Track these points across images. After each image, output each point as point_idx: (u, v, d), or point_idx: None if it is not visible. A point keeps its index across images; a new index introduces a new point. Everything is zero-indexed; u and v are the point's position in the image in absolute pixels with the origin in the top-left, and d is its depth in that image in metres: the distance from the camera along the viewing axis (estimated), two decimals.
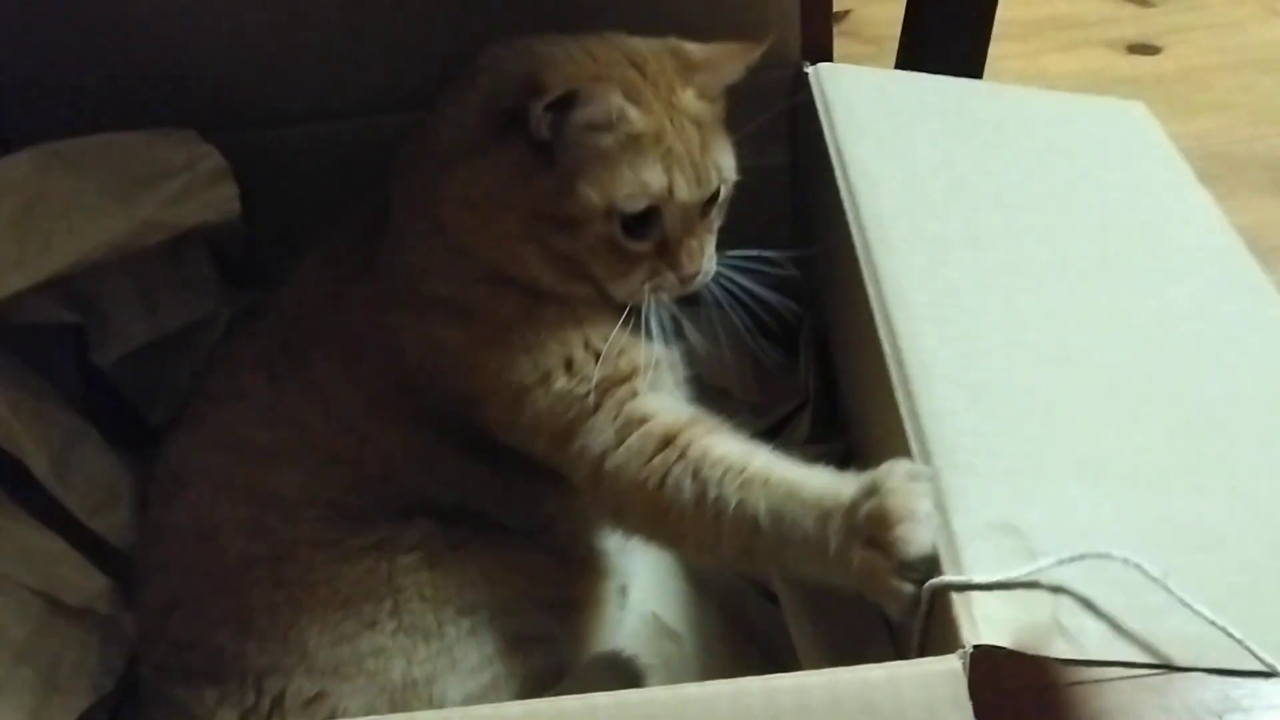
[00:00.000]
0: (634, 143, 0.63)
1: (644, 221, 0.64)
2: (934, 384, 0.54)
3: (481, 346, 0.65)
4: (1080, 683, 0.77)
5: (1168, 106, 1.31)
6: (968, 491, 0.49)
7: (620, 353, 0.64)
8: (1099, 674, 0.78)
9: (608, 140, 0.62)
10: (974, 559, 0.46)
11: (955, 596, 0.45)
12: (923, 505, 0.48)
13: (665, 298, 0.67)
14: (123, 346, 0.79)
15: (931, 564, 0.47)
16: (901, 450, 0.52)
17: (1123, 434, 0.53)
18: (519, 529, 0.70)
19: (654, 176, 0.63)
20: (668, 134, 0.64)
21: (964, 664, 0.43)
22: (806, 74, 0.79)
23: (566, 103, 0.60)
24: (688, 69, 0.67)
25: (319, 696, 0.62)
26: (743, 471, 0.56)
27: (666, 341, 0.67)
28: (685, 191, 0.64)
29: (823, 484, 0.54)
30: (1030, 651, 0.44)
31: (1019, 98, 0.81)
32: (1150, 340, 0.60)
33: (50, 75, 0.79)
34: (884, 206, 0.66)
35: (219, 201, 0.80)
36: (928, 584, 0.47)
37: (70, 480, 0.70)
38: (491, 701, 0.62)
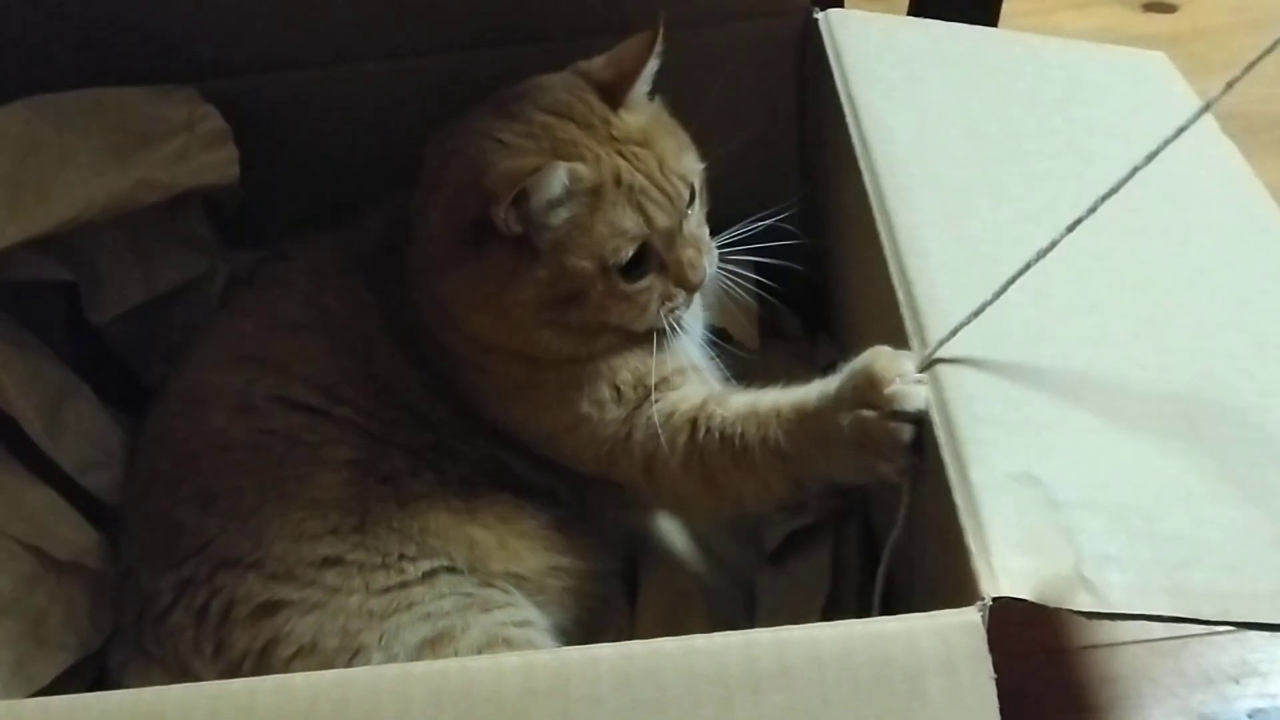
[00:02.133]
0: (597, 197, 0.63)
1: (638, 260, 0.65)
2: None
3: (509, 399, 0.68)
4: (1093, 646, 0.76)
5: (1184, 65, 1.27)
6: (985, 442, 0.47)
7: (639, 385, 0.66)
8: (1112, 637, 0.76)
9: (573, 208, 0.63)
10: (993, 510, 0.45)
11: (972, 545, 0.43)
12: (908, 366, 0.52)
13: (682, 310, 0.68)
14: (118, 306, 0.77)
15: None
16: None
17: (1145, 386, 0.51)
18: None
19: (629, 220, 0.63)
20: (623, 170, 0.64)
21: (983, 616, 0.41)
22: (816, 20, 0.76)
23: (521, 197, 0.61)
24: (608, 91, 0.66)
25: (270, 606, 0.61)
26: (756, 414, 0.61)
27: (696, 344, 0.71)
28: (663, 218, 0.65)
29: (821, 389, 0.59)
30: (1052, 604, 0.42)
31: (1035, 46, 0.78)
32: (1172, 291, 0.58)
33: (40, 21, 0.76)
34: (897, 154, 0.64)
35: (218, 165, 0.78)
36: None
37: (62, 437, 0.69)
38: (446, 650, 0.61)
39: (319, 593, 0.62)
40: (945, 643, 0.41)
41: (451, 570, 0.64)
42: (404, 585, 0.63)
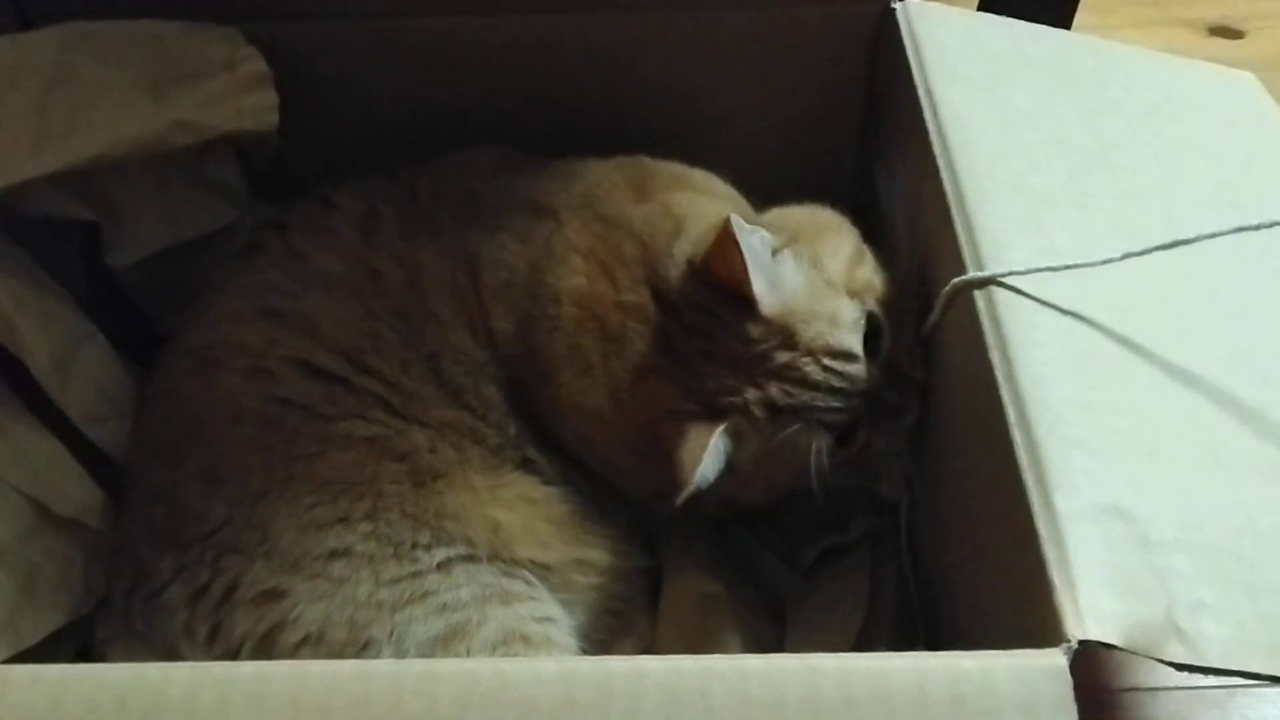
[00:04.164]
0: None
1: None
2: (1035, 349, 0.49)
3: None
4: (1134, 689, 0.72)
5: None
6: (1074, 468, 0.44)
7: None
8: (1154, 681, 0.72)
9: None
10: (1080, 543, 0.41)
11: (1056, 579, 0.40)
12: None
13: None
14: (139, 250, 0.73)
15: None
16: (999, 421, 0.47)
17: (1244, 419, 0.48)
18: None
19: None
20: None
21: (1068, 659, 0.37)
22: (894, 10, 0.72)
23: None
24: None
25: (274, 594, 0.58)
26: None
27: None
28: None
29: None
30: (1142, 653, 0.38)
31: (1123, 55, 0.74)
32: (1270, 320, 0.54)
33: None
34: (979, 154, 0.60)
35: (257, 110, 0.74)
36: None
37: (71, 385, 0.65)
38: (458, 647, 0.57)
39: (326, 584, 0.58)
40: (1027, 685, 0.37)
41: (469, 559, 0.61)
42: (417, 575, 0.59)
